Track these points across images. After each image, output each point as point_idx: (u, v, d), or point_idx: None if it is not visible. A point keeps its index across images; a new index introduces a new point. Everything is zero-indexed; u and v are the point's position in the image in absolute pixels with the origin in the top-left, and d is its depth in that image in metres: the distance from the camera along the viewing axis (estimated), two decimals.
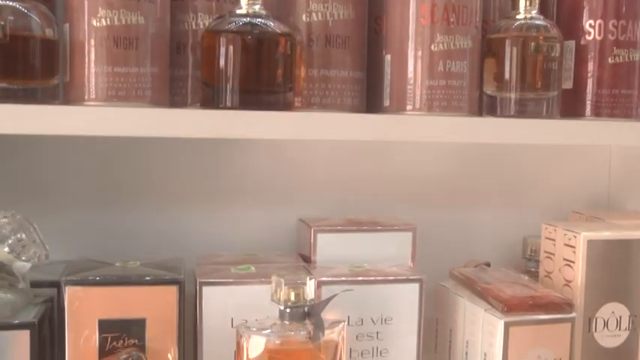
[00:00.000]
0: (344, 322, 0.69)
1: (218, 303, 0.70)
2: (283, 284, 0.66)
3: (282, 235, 0.87)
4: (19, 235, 0.66)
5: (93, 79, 0.58)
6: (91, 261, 0.73)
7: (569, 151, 0.98)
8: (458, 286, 0.81)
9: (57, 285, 0.71)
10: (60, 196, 0.84)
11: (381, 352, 0.74)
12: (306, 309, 0.67)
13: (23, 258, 0.66)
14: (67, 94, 0.60)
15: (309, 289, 0.67)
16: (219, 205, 0.88)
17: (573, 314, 0.73)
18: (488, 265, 0.86)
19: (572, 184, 0.99)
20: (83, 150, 0.84)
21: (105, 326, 0.67)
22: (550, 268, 0.79)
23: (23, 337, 0.64)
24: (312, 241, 0.78)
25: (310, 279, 0.67)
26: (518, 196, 0.97)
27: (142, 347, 0.68)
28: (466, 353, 0.77)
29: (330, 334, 0.67)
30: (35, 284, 0.71)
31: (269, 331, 0.66)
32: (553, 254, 0.78)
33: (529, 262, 0.90)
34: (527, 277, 0.81)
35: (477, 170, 0.96)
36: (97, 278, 0.67)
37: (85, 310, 0.67)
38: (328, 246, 0.78)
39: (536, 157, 0.98)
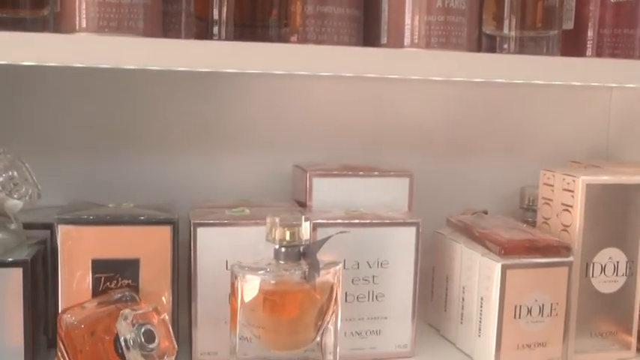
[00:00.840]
0: (340, 263, 0.68)
1: (212, 244, 0.69)
2: (278, 223, 0.65)
3: (276, 182, 0.86)
4: (10, 173, 0.65)
5: (84, 9, 0.57)
6: (84, 203, 0.73)
7: (569, 101, 0.97)
8: (455, 232, 0.81)
9: (50, 227, 0.70)
10: (48, 141, 0.83)
11: (376, 296, 0.73)
12: (301, 249, 0.66)
13: (15, 196, 0.66)
14: (57, 26, 0.58)
15: (305, 230, 0.66)
16: (213, 150, 0.87)
17: (571, 258, 0.72)
18: (486, 213, 0.86)
19: (570, 135, 0.98)
20: (73, 94, 0.83)
21: (98, 266, 0.66)
22: (548, 214, 0.78)
23: (16, 276, 0.63)
24: (307, 185, 0.77)
25: (306, 220, 0.66)
26: (516, 146, 0.96)
27: (135, 288, 0.67)
28: (462, 299, 0.77)
29: (325, 275, 0.66)
30: (27, 226, 0.70)
31: (264, 271, 0.65)
32: (551, 200, 0.78)
33: (526, 212, 0.90)
34: (525, 225, 0.81)
35: (475, 120, 0.95)
36: (90, 217, 0.67)
37: (78, 250, 0.66)
38: (324, 191, 0.77)
39: (535, 107, 0.97)
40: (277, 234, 0.65)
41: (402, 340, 0.75)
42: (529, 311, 0.71)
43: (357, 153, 0.89)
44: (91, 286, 0.67)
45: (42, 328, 0.70)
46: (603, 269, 0.75)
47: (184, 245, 0.70)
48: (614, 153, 0.98)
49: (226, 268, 0.69)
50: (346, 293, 0.72)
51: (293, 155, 0.86)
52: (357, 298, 0.73)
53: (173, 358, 0.64)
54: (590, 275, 0.75)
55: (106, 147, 0.84)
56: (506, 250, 0.71)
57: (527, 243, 0.72)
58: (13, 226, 0.68)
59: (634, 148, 0.95)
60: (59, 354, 0.63)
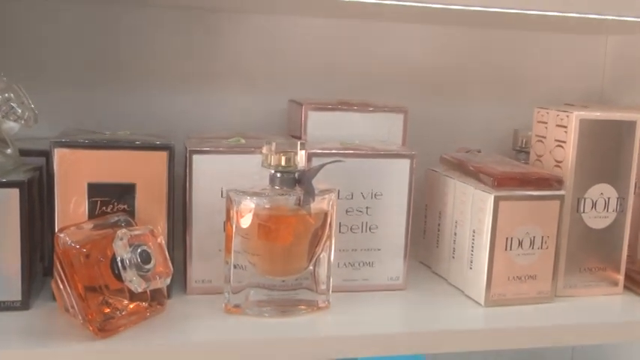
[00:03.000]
0: (334, 191, 0.69)
1: (208, 172, 0.70)
2: (274, 149, 0.66)
3: (272, 118, 0.87)
4: (6, 95, 0.65)
5: None
6: (80, 130, 0.73)
7: (564, 46, 0.97)
8: (448, 169, 0.81)
9: (46, 154, 0.70)
10: (44, 74, 0.82)
11: (370, 227, 0.74)
12: (296, 175, 0.66)
13: (11, 119, 0.65)
14: None
15: (300, 157, 0.66)
16: (208, 86, 0.87)
17: (562, 191, 0.73)
18: (479, 152, 0.86)
19: (565, 80, 0.98)
20: (69, 25, 0.82)
21: (94, 190, 0.67)
22: (541, 151, 0.79)
23: (13, 196, 0.64)
24: (302, 119, 0.77)
25: (302, 146, 0.67)
26: (510, 89, 0.97)
27: (131, 214, 0.68)
28: (455, 234, 0.77)
29: (320, 203, 0.67)
30: (23, 154, 0.70)
31: (259, 196, 0.66)
32: (544, 137, 0.78)
33: (519, 153, 0.91)
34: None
35: (471, 62, 0.95)
36: (87, 141, 0.67)
37: (74, 173, 0.66)
38: (319, 125, 0.77)
39: (531, 52, 0.97)
40: (273, 159, 0.66)
41: (395, 273, 0.75)
42: (520, 244, 0.72)
43: (352, 91, 0.89)
44: (87, 211, 0.67)
45: (38, 255, 0.71)
46: (594, 205, 0.76)
47: (180, 178, 0.71)
48: (608, 98, 0.99)
49: (221, 196, 0.70)
50: (340, 224, 0.73)
51: (289, 92, 0.86)
52: (351, 229, 0.74)
53: (168, 280, 0.64)
54: (581, 210, 0.76)
55: (103, 81, 0.84)
56: (499, 181, 0.71)
57: (520, 176, 0.72)
58: (9, 151, 0.68)
59: (628, 94, 0.96)
60: (56, 275, 0.63)
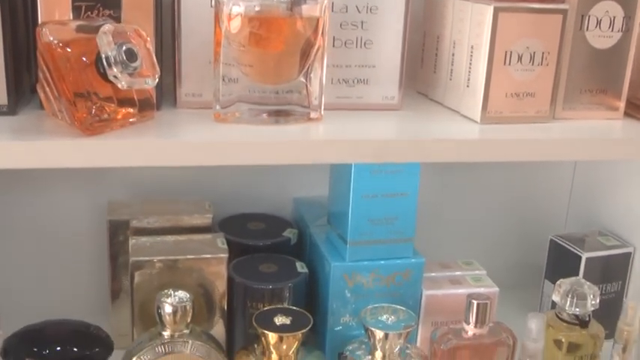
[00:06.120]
0: None
1: None
2: None
3: None
4: None
5: None
6: None
7: None
8: None
9: None
10: None
11: (365, 42, 0.72)
12: None
13: None
14: None
15: None
16: None
17: (566, 6, 0.70)
18: None
19: None
20: None
21: None
22: None
23: None
24: None
25: None
26: None
27: (117, 20, 0.65)
28: (453, 55, 0.75)
29: (311, 9, 0.65)
30: None
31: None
32: None
33: None
34: None
35: None
36: None
37: None
38: None
39: None
40: None
41: (390, 92, 0.74)
42: (519, 58, 0.70)
43: None
44: (71, 16, 0.65)
45: (24, 65, 0.69)
46: (599, 23, 0.73)
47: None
48: None
49: (211, 6, 0.67)
50: (334, 38, 0.71)
51: None
52: (345, 43, 0.71)
53: (155, 81, 0.63)
54: (585, 28, 0.73)
55: None
56: None
57: None
58: None
59: None
60: (41, 76, 0.62)
